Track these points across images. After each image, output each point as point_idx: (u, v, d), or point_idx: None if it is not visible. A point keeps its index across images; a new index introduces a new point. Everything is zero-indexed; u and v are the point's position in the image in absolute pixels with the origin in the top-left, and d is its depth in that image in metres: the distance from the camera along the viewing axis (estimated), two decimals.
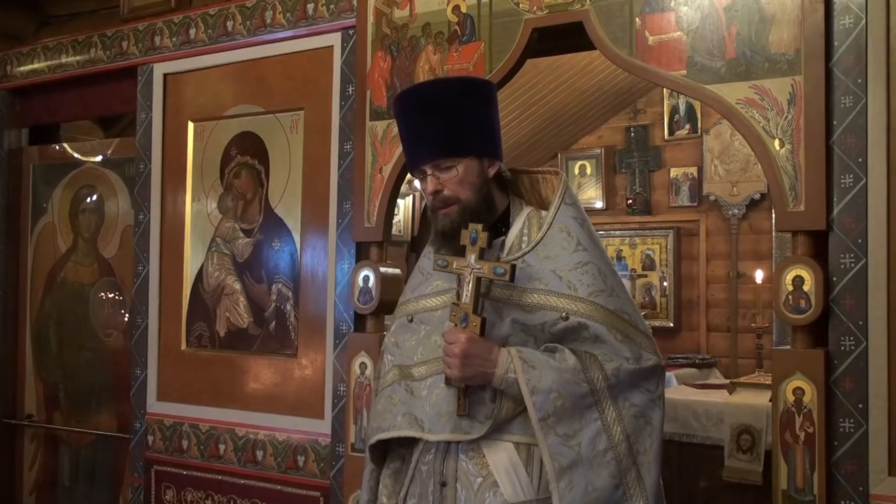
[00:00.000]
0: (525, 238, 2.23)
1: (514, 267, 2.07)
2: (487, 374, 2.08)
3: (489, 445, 2.12)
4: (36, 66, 4.57)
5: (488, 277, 2.10)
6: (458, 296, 2.16)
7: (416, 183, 2.33)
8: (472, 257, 2.11)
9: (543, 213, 2.26)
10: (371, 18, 3.41)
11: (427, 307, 2.32)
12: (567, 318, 2.11)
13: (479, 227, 2.12)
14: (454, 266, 2.16)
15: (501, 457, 2.11)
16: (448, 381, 2.12)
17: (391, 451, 2.36)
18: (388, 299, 3.31)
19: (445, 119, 2.19)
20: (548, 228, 2.20)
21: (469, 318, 2.09)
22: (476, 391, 2.12)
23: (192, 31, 3.97)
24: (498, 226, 2.25)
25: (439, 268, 2.20)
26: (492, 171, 2.25)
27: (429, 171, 2.21)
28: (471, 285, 2.11)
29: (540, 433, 2.04)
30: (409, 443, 2.28)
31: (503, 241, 2.25)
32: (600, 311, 2.12)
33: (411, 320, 2.34)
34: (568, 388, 2.06)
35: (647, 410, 2.13)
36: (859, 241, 2.53)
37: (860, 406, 2.51)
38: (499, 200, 2.29)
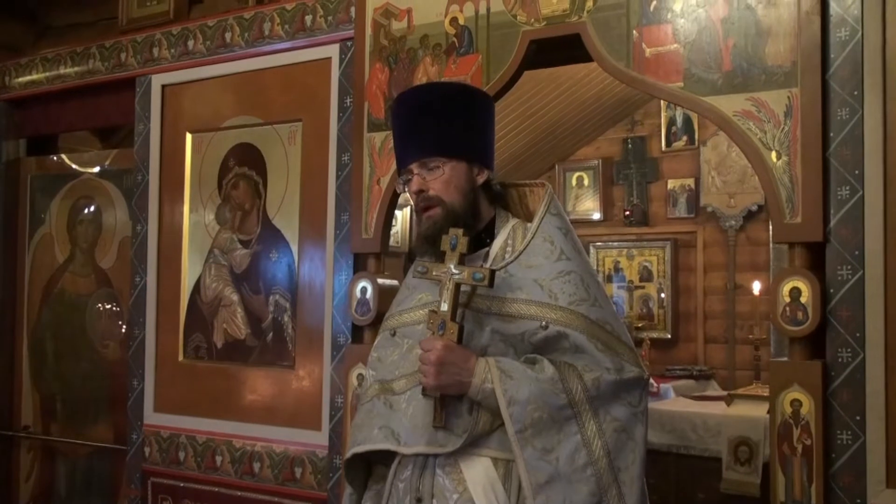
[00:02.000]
0: (509, 249, 2.18)
1: (493, 272, 2.03)
2: (464, 383, 2.02)
3: (466, 461, 2.05)
4: (34, 77, 4.58)
5: (468, 283, 2.05)
6: (439, 304, 2.11)
7: (399, 185, 2.28)
8: (451, 263, 2.07)
9: (529, 224, 2.22)
10: (369, 30, 3.43)
11: (410, 321, 2.27)
12: (546, 327, 2.05)
13: (460, 231, 2.07)
14: (433, 273, 2.11)
15: (479, 472, 2.04)
16: (424, 391, 2.06)
17: (374, 473, 2.30)
18: (385, 311, 3.28)
19: (438, 119, 2.16)
20: (531, 238, 2.16)
21: (446, 326, 2.04)
22: (453, 403, 2.05)
23: (191, 43, 3.98)
24: (482, 236, 2.21)
25: (419, 274, 2.15)
26: (480, 179, 2.21)
27: (415, 171, 2.17)
28: (449, 292, 2.06)
29: (517, 446, 1.97)
30: (390, 462, 2.21)
31: (487, 252, 2.21)
32: (581, 320, 2.06)
33: (394, 334, 2.30)
34: (545, 399, 1.99)
35: (629, 425, 2.06)
36: (856, 252, 2.53)
37: (857, 418, 2.51)
38: (485, 211, 2.24)
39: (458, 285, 2.06)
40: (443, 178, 2.14)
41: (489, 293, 2.09)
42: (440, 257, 2.13)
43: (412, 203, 2.22)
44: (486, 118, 2.26)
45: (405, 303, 2.33)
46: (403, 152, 2.22)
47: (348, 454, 2.23)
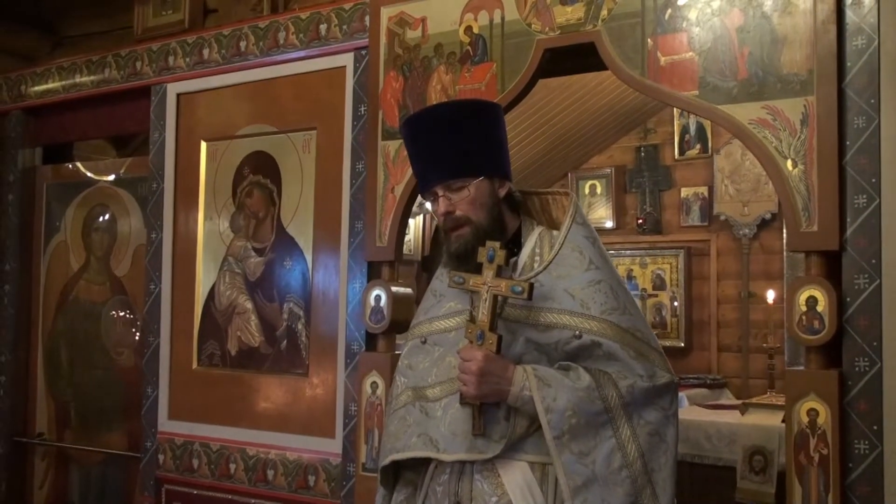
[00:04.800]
0: (537, 258, 2.23)
1: (531, 286, 2.07)
2: (503, 391, 2.08)
3: (504, 465, 2.12)
4: (50, 85, 4.61)
5: (507, 296, 2.10)
6: (473, 314, 2.15)
7: (428, 205, 2.33)
8: (489, 275, 2.11)
9: (555, 232, 2.26)
10: (383, 39, 3.43)
11: (441, 328, 2.32)
12: (580, 337, 2.11)
13: (497, 244, 2.12)
14: (471, 283, 2.15)
15: (516, 476, 2.11)
16: (463, 400, 2.11)
17: (402, 478, 2.34)
18: (399, 318, 3.31)
19: (455, 140, 2.20)
20: (559, 248, 2.21)
21: (485, 336, 2.09)
22: (490, 410, 2.11)
23: (206, 52, 4.00)
24: (510, 246, 2.24)
25: (455, 285, 2.19)
26: (503, 192, 2.26)
27: (440, 193, 2.21)
28: (488, 303, 2.10)
29: (555, 451, 2.04)
30: (421, 466, 2.27)
31: (515, 261, 2.24)
32: (613, 329, 2.12)
33: (425, 342, 2.34)
34: (582, 406, 2.05)
35: (661, 428, 2.13)
36: (873, 261, 2.52)
37: (875, 427, 2.50)
38: (510, 221, 2.29)
39: (496, 297, 2.10)
40: (468, 199, 2.19)
41: (522, 303, 2.13)
42: (468, 271, 2.17)
43: (438, 223, 2.27)
44: (500, 130, 2.30)
45: (433, 310, 2.37)
46: (425, 175, 2.26)
47: (386, 461, 2.27)
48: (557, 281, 2.16)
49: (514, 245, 2.27)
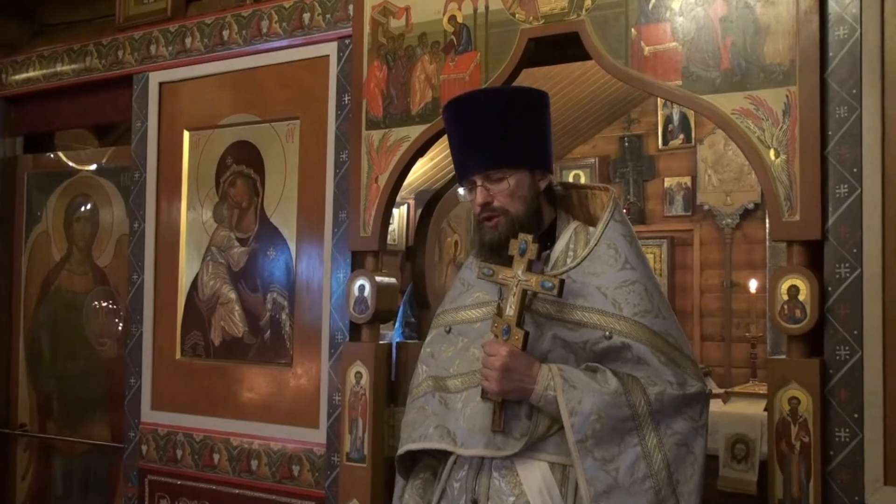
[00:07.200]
0: (571, 253, 2.17)
1: (562, 282, 2.01)
2: (526, 389, 2.02)
3: (523, 464, 2.06)
4: (31, 74, 4.57)
5: (535, 290, 2.04)
6: (500, 308, 2.10)
7: (461, 191, 2.28)
8: (519, 268, 2.06)
9: (591, 229, 2.20)
10: (367, 28, 3.42)
11: (466, 319, 2.27)
12: (610, 338, 2.05)
13: (530, 237, 2.06)
14: (500, 276, 2.10)
15: (535, 476, 2.05)
16: (484, 395, 2.06)
17: (420, 462, 2.31)
18: (383, 308, 3.32)
19: (499, 129, 2.14)
20: (595, 244, 2.15)
21: (511, 331, 2.04)
22: (512, 407, 2.06)
23: (188, 40, 3.97)
24: (543, 239, 2.18)
25: (484, 276, 2.14)
26: (542, 185, 2.21)
27: (479, 182, 2.15)
28: (516, 297, 2.05)
29: (577, 455, 1.98)
30: (440, 455, 2.23)
31: (548, 255, 2.19)
32: (645, 332, 2.06)
33: (449, 331, 2.29)
34: (608, 411, 1.99)
35: (689, 439, 2.06)
36: (854, 250, 2.53)
37: (855, 415, 2.52)
38: (546, 214, 2.23)
39: (525, 291, 2.05)
40: (508, 191, 2.14)
41: (552, 299, 2.07)
42: (503, 264, 2.11)
43: (474, 212, 2.20)
44: (545, 121, 2.24)
45: (460, 300, 2.32)
46: (465, 162, 2.20)
47: (402, 450, 2.24)
48: (590, 278, 2.10)
49: (547, 238, 2.21)
